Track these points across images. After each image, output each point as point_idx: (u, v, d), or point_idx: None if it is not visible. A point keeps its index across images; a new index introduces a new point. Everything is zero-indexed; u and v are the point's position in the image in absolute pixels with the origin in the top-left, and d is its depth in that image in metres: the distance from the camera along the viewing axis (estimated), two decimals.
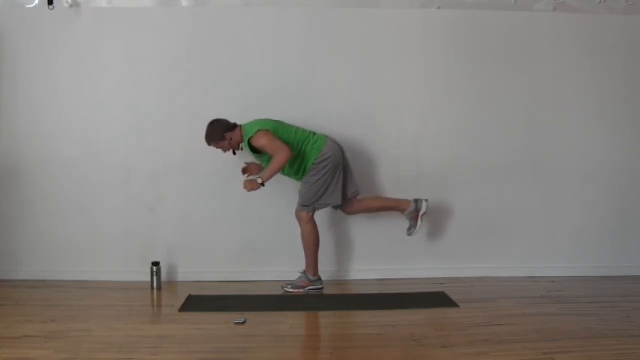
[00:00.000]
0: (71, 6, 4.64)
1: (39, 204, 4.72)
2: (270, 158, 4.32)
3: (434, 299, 4.29)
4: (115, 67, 4.70)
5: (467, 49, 4.82)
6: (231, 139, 4.39)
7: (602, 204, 4.91)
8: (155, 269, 4.54)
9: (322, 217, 4.62)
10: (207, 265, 4.75)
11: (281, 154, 4.23)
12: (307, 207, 4.43)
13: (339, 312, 4.09)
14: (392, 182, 4.81)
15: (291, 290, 4.48)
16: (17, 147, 4.70)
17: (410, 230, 4.58)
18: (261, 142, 4.29)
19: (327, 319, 4.00)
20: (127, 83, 4.71)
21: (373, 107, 4.79)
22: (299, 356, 3.38)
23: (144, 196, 4.74)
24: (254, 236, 4.76)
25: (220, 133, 4.38)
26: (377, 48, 4.78)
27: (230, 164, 4.67)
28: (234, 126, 4.41)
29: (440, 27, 4.81)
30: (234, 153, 4.49)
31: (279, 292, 4.48)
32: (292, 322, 3.83)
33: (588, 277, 4.77)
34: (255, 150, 4.37)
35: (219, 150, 4.46)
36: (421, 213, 4.53)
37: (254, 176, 4.42)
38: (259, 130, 4.31)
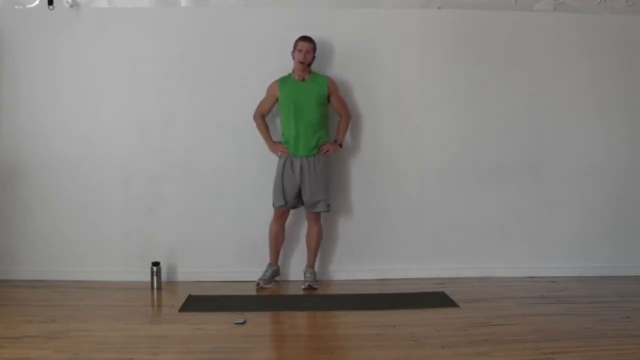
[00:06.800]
0: (71, 6, 4.63)
1: (39, 204, 4.72)
2: (305, 114, 4.43)
3: (434, 299, 4.29)
4: (115, 67, 4.70)
5: (467, 49, 4.82)
6: (314, 58, 4.49)
7: (602, 204, 4.91)
8: (155, 269, 4.54)
9: (321, 217, 4.63)
10: (207, 265, 4.74)
11: (349, 115, 4.62)
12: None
13: (339, 312, 4.09)
14: (392, 183, 4.81)
15: (313, 285, 4.52)
16: (17, 147, 4.70)
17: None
18: (338, 91, 4.56)
19: (327, 319, 4.00)
20: (127, 83, 4.71)
21: (373, 107, 4.78)
22: (299, 356, 3.38)
23: (144, 196, 4.74)
24: (254, 236, 4.75)
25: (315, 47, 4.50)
26: (377, 48, 4.78)
27: (230, 164, 4.69)
28: None
29: (440, 27, 4.81)
30: (301, 76, 4.49)
31: (279, 292, 4.48)
32: (292, 322, 3.83)
33: (588, 277, 4.77)
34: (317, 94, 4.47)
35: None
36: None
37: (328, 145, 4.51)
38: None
